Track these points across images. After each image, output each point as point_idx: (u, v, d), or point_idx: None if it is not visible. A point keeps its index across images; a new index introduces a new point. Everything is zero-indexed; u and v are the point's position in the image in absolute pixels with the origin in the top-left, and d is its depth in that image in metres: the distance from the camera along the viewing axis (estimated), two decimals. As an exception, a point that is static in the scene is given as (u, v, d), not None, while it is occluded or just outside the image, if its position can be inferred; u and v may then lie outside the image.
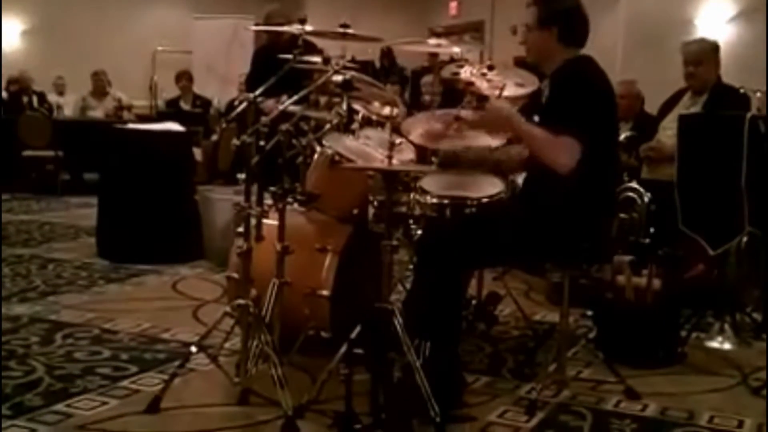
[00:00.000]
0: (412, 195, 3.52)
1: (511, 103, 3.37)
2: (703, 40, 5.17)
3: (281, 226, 3.18)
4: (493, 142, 3.35)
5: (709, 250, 3.93)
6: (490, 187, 3.55)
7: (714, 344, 4.07)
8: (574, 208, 3.01)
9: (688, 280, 4.26)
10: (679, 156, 4.01)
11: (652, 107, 5.66)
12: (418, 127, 3.51)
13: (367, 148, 3.45)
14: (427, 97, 5.49)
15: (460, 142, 3.45)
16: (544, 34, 3.16)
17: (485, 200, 3.45)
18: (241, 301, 2.99)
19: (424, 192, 3.52)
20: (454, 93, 4.44)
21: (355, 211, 3.66)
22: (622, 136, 4.83)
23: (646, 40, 8.71)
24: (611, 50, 7.93)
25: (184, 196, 6.01)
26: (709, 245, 3.91)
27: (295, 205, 3.42)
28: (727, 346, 4.05)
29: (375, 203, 3.61)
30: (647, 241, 4.02)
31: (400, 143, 3.30)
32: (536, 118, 3.20)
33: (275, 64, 3.27)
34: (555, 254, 3.09)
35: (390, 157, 2.91)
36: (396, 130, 3.24)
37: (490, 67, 3.57)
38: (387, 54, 10.20)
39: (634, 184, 4.27)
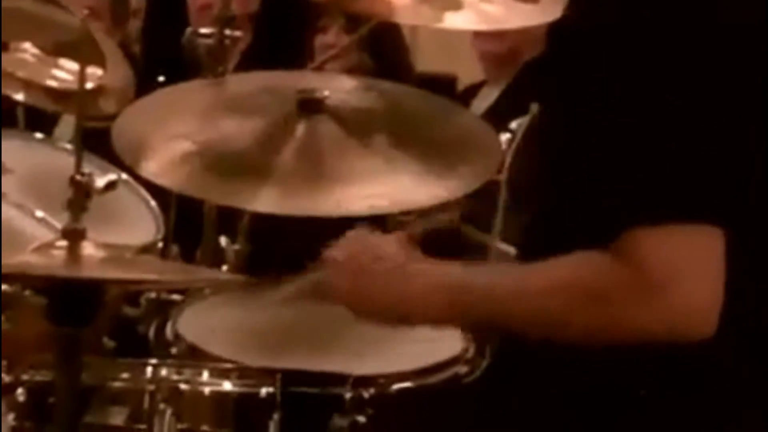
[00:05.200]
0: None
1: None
2: None
3: None
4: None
5: None
6: (423, 340, 1.23)
7: None
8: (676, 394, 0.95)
9: None
10: None
11: None
12: (175, 134, 1.31)
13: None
14: (204, 31, 2.07)
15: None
16: None
17: (403, 384, 1.25)
18: None
19: (196, 352, 1.29)
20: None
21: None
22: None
23: None
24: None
25: None
26: None
27: None
28: None
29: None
30: None
31: (112, 183, 1.31)
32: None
33: None
34: None
35: (71, 236, 1.11)
36: (99, 137, 1.27)
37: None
38: None
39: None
